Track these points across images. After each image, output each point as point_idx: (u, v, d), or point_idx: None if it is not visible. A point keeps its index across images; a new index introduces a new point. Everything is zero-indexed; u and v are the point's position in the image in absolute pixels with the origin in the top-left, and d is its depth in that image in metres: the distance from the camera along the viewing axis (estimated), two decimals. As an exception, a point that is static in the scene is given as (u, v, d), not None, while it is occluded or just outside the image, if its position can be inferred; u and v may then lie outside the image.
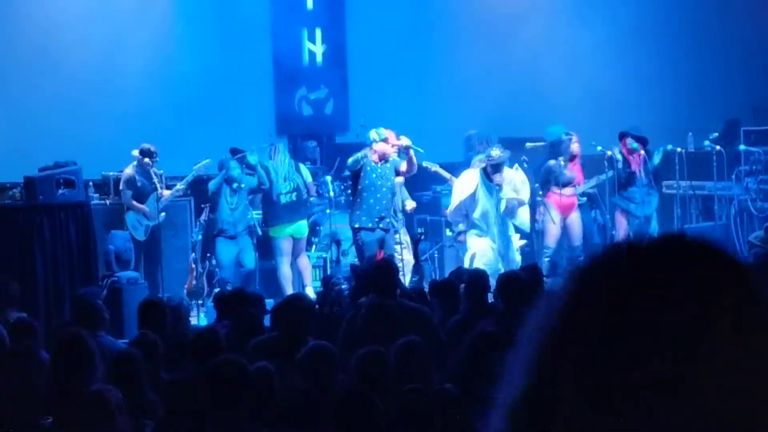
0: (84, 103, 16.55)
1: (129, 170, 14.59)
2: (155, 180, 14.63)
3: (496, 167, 13.94)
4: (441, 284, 10.51)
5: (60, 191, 13.13)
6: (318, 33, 18.22)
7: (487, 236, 14.00)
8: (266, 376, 6.54)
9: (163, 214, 14.71)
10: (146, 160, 14.51)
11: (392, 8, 17.83)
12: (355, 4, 18.10)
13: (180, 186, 14.68)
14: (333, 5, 18.12)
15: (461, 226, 14.16)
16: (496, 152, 14.01)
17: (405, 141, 13.82)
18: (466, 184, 14.11)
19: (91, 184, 14.56)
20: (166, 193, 14.67)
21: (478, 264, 13.80)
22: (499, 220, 14.05)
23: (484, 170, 14.02)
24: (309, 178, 14.66)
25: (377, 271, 8.98)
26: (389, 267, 9.11)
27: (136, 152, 14.59)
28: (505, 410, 1.34)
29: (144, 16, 16.85)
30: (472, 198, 13.97)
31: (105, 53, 16.66)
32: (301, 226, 14.45)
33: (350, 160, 13.90)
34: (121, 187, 14.60)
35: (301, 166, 14.68)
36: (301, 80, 18.31)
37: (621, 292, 1.30)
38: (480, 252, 14.01)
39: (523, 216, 14.49)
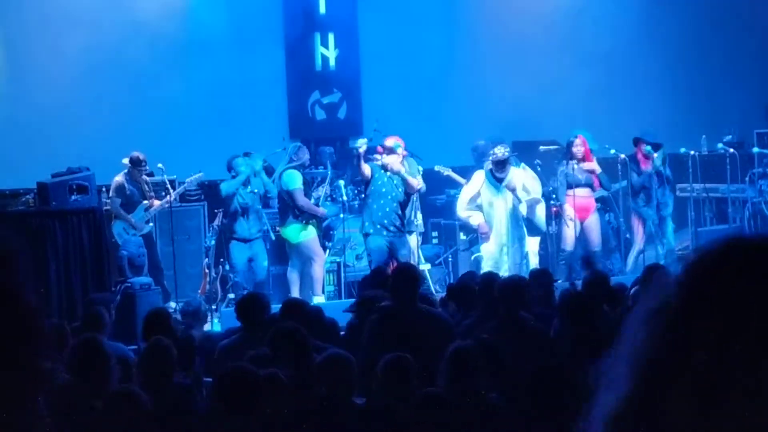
0: (97, 108, 16.56)
1: (119, 178, 14.47)
2: (145, 188, 14.57)
3: (501, 164, 13.96)
4: (458, 286, 10.48)
5: (73, 197, 13.15)
6: (331, 37, 18.21)
7: (492, 239, 14.01)
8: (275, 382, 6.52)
9: (150, 224, 14.64)
10: (135, 168, 14.45)
11: (405, 12, 17.81)
12: (367, 8, 18.09)
13: (171, 197, 14.53)
14: (346, 10, 18.10)
15: (476, 219, 14.11)
16: (499, 150, 14.04)
17: (387, 159, 13.85)
18: (471, 184, 14.22)
19: (104, 189, 14.53)
20: (156, 203, 14.58)
21: (486, 268, 13.84)
22: (508, 218, 14.04)
23: (490, 170, 14.07)
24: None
25: (397, 276, 8.90)
26: (410, 272, 9.01)
27: (126, 160, 14.53)
28: (605, 416, 1.33)
29: (157, 21, 16.84)
30: (477, 196, 14.02)
31: (118, 58, 16.66)
32: (286, 231, 14.46)
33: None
34: (110, 195, 14.49)
35: (289, 172, 14.44)
36: (314, 85, 18.31)
37: (737, 294, 1.28)
38: (486, 254, 14.04)
39: (540, 214, 14.52)
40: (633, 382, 1.31)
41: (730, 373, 1.26)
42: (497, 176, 14.02)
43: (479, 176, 14.27)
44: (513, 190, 14.10)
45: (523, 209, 14.20)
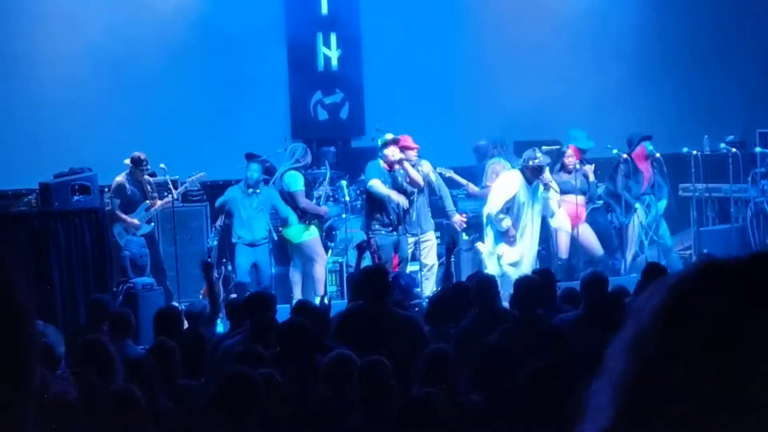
0: (99, 109, 16.57)
1: (120, 178, 14.46)
2: (147, 189, 14.56)
3: (538, 171, 13.95)
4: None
5: (75, 197, 13.14)
6: (333, 38, 18.20)
7: (519, 237, 13.98)
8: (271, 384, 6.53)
9: (152, 224, 14.64)
10: (136, 168, 14.45)
11: (407, 12, 17.80)
12: (370, 8, 18.08)
13: (173, 197, 14.50)
14: (348, 10, 18.08)
15: (507, 222, 14.00)
16: (539, 155, 14.04)
17: (397, 155, 13.90)
18: (509, 184, 14.06)
19: (106, 190, 14.54)
20: (158, 203, 14.58)
21: (507, 269, 13.82)
22: (534, 223, 14.05)
23: (523, 172, 14.02)
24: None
25: (367, 277, 8.91)
26: (380, 273, 9.02)
27: (127, 161, 14.52)
28: None
29: (158, 21, 16.85)
30: (513, 199, 13.95)
31: (120, 60, 16.67)
32: (287, 232, 14.48)
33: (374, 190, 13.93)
34: (109, 195, 14.51)
35: (291, 174, 14.50)
36: (317, 85, 18.30)
37: (723, 313, 1.29)
38: (508, 255, 13.99)
39: (563, 216, 14.50)
40: (614, 413, 1.31)
41: (709, 400, 1.26)
42: (529, 179, 14.00)
43: (516, 177, 14.16)
44: (547, 184, 14.09)
45: (554, 205, 14.20)
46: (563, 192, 14.76)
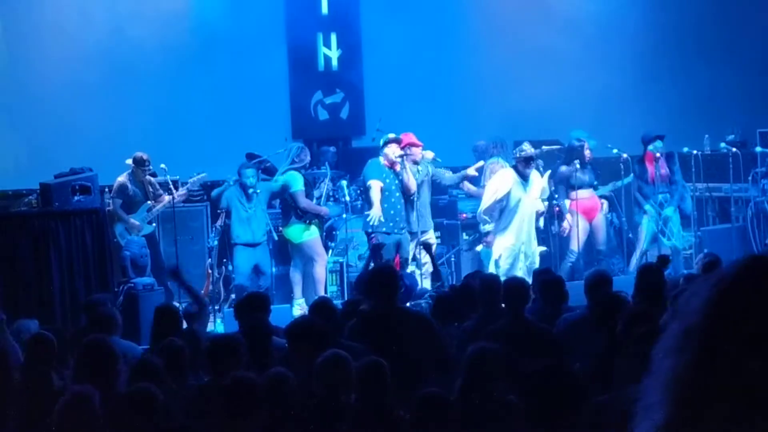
0: (100, 109, 16.56)
1: (121, 178, 14.46)
2: (149, 189, 14.55)
3: (527, 161, 13.93)
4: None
5: (76, 198, 13.13)
6: (333, 38, 18.21)
7: (513, 235, 13.96)
8: (282, 383, 6.50)
9: (153, 224, 14.63)
10: (138, 168, 14.44)
11: (407, 12, 17.80)
12: (370, 8, 18.08)
13: (174, 197, 14.47)
14: (348, 10, 18.09)
15: (489, 227, 14.04)
16: (526, 146, 14.04)
17: (398, 153, 13.92)
18: (501, 183, 14.06)
19: (107, 190, 14.53)
20: (166, 199, 14.56)
21: (504, 264, 13.81)
22: (530, 218, 14.04)
23: (516, 167, 14.02)
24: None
25: (376, 277, 8.85)
26: (389, 272, 8.96)
27: (129, 161, 14.51)
28: None
29: (159, 22, 16.84)
30: (507, 197, 13.93)
31: (120, 60, 16.67)
32: (288, 231, 14.44)
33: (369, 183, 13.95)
34: (111, 195, 14.49)
35: (291, 174, 14.44)
36: (317, 85, 18.30)
37: (759, 313, 1.29)
38: (506, 252, 13.98)
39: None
40: (669, 408, 1.32)
41: (757, 394, 1.27)
42: (523, 173, 13.98)
43: (509, 175, 14.16)
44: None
45: (540, 206, 14.23)
46: (575, 187, 14.84)
